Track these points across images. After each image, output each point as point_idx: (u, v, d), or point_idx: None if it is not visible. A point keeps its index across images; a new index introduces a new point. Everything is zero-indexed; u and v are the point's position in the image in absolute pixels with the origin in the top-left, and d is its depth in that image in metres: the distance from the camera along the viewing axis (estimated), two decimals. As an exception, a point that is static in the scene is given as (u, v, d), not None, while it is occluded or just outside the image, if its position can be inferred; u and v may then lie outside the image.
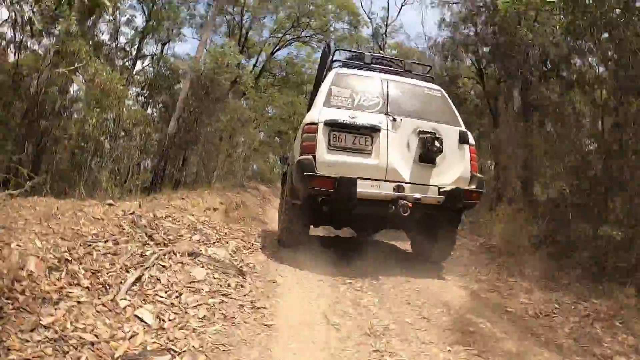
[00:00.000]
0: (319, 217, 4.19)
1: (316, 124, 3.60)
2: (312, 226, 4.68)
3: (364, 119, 3.70)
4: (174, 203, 7.88)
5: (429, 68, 5.37)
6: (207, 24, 12.13)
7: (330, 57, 4.97)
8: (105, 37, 13.76)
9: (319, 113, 3.71)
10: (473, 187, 3.79)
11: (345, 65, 4.56)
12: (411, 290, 3.60)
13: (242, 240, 5.69)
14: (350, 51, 6.04)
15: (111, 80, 7.27)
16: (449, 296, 3.51)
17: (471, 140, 3.96)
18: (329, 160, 3.53)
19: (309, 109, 4.67)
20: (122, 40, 14.95)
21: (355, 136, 3.61)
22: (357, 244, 5.95)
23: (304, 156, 3.56)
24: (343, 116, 3.65)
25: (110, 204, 4.28)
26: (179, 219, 4.85)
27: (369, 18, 20.81)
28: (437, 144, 3.60)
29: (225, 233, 5.46)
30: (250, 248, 5.05)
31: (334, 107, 3.78)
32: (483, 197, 4.08)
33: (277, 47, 22.14)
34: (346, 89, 3.90)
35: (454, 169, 3.81)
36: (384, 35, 19.66)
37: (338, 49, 5.48)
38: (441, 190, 3.67)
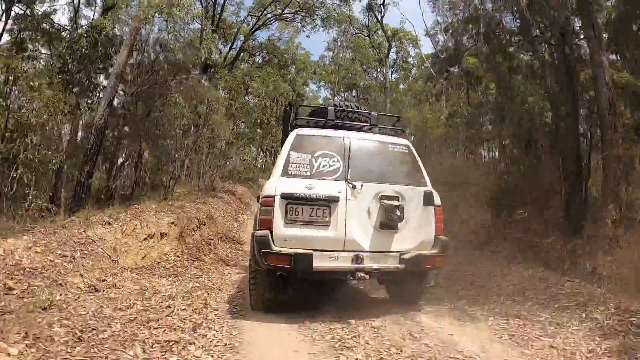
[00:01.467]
0: (283, 285, 3.83)
1: (273, 196, 3.47)
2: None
3: (321, 189, 3.57)
4: (92, 233, 5.15)
5: (396, 119, 4.85)
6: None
7: (292, 114, 4.88)
8: None
9: (275, 184, 3.57)
10: (435, 251, 3.70)
11: (306, 124, 4.23)
12: None
13: (192, 306, 3.87)
14: (312, 106, 5.56)
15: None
16: None
17: (437, 201, 3.80)
18: (286, 234, 3.44)
19: (282, 142, 4.80)
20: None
21: (313, 208, 3.51)
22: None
23: (261, 231, 3.45)
24: (300, 188, 3.53)
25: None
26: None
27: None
28: (398, 212, 3.50)
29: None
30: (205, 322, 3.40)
31: (291, 176, 3.65)
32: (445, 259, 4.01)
33: (256, 27, 19.22)
34: (305, 154, 3.74)
35: (417, 232, 3.70)
36: (382, 7, 16.97)
37: (301, 105, 5.38)
38: (402, 257, 3.56)
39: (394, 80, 27.81)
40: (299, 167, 3.66)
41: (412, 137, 16.16)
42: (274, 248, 3.34)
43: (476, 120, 12.89)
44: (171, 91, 8.10)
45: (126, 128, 8.64)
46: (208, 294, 4.44)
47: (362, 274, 3.41)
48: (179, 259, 6.07)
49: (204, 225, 7.97)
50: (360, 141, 3.90)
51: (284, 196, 3.44)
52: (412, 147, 4.03)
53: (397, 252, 3.56)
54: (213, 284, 5.03)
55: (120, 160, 9.11)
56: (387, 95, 20.61)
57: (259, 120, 21.35)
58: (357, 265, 3.44)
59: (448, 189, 7.98)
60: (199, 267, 5.93)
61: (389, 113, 6.22)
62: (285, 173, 3.64)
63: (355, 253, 3.47)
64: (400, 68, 27.29)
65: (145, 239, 5.91)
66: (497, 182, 8.32)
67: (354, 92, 34.11)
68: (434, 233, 3.71)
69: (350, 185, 3.58)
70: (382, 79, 30.70)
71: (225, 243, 8.00)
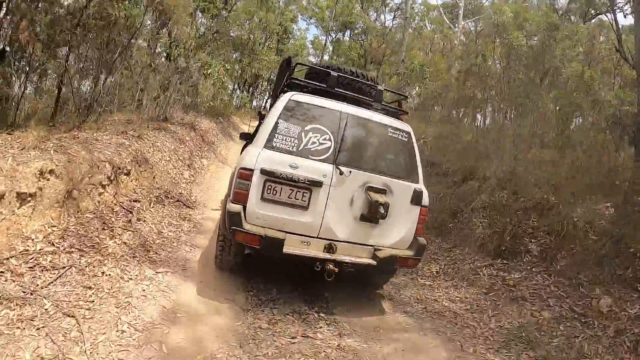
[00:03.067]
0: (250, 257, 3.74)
1: (252, 170, 3.17)
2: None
3: (306, 171, 3.25)
4: None
5: (403, 98, 4.40)
6: None
7: (289, 73, 4.12)
8: None
9: (256, 156, 3.22)
10: (411, 253, 3.50)
11: (303, 87, 3.78)
12: None
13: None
14: (314, 67, 4.19)
15: None
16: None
17: (425, 201, 3.58)
18: (260, 213, 3.20)
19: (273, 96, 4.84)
20: None
21: (293, 190, 3.24)
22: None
23: (234, 205, 3.18)
24: (282, 165, 3.21)
25: None
26: None
27: None
28: (382, 209, 3.25)
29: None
30: None
31: (276, 149, 3.28)
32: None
33: None
34: (295, 126, 3.36)
35: (396, 230, 3.49)
36: None
37: (299, 64, 4.16)
38: (376, 253, 3.38)
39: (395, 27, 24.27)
40: (285, 139, 3.31)
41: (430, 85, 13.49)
42: (245, 226, 3.11)
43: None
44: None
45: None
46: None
47: (332, 266, 3.19)
48: (54, 249, 3.08)
49: (127, 175, 4.85)
50: (359, 119, 3.50)
51: (264, 172, 3.15)
52: (412, 136, 3.67)
53: (372, 246, 3.41)
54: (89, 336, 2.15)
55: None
56: (406, 25, 17.00)
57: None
58: (329, 256, 3.26)
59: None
60: (88, 271, 2.98)
61: (394, 92, 5.27)
62: (270, 145, 3.28)
63: (329, 241, 3.30)
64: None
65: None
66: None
67: (348, 33, 29.96)
68: (414, 233, 3.54)
69: (338, 171, 3.29)
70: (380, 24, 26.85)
71: (162, 207, 4.98)
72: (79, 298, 2.63)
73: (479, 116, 13.31)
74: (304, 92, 3.59)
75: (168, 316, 2.78)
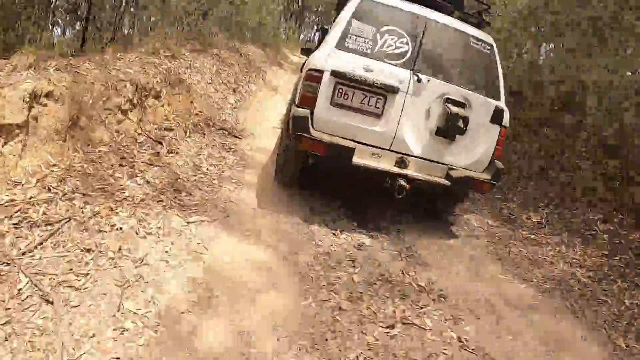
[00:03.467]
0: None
1: (321, 72, 2.87)
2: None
3: (381, 74, 2.94)
4: None
5: (485, 7, 3.76)
6: None
7: None
8: None
9: (327, 57, 2.93)
10: (487, 177, 3.17)
11: None
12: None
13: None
14: None
15: None
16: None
17: (506, 120, 3.24)
18: (328, 118, 2.91)
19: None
20: None
21: (366, 95, 2.93)
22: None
23: (300, 109, 2.90)
24: (356, 67, 2.90)
25: None
26: None
27: None
28: (461, 123, 2.97)
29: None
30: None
31: (348, 50, 2.98)
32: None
33: None
34: (369, 26, 3.04)
35: (474, 149, 3.19)
36: None
37: None
38: (449, 172, 3.09)
39: None
40: (358, 40, 3.03)
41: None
42: (312, 132, 2.84)
43: None
44: None
45: None
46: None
47: (403, 182, 2.91)
48: (50, 196, 2.27)
49: (156, 99, 3.88)
50: (439, 25, 3.17)
51: (335, 74, 2.84)
52: (495, 49, 3.35)
53: (445, 165, 3.12)
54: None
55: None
56: None
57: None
58: (401, 170, 2.99)
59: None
60: (92, 224, 2.14)
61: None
62: (342, 45, 2.99)
63: (402, 155, 3.01)
64: None
65: None
66: None
67: None
68: (492, 156, 3.22)
69: (416, 77, 2.97)
70: None
71: (201, 137, 4.03)
72: (70, 268, 1.79)
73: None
74: None
75: (198, 297, 1.87)
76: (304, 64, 4.47)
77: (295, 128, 2.85)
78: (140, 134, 3.36)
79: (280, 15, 22.00)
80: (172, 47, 5.67)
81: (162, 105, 4.01)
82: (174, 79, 4.51)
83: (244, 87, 6.85)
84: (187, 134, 3.89)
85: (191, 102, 4.65)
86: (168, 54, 5.34)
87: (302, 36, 30.99)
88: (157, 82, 4.02)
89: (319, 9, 34.80)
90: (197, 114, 4.46)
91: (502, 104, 3.26)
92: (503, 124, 3.24)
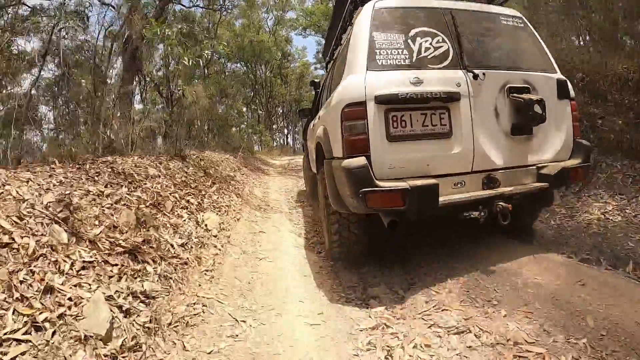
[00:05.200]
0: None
1: (362, 103, 2.37)
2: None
3: (434, 83, 2.47)
4: None
5: None
6: None
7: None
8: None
9: (363, 82, 2.42)
10: (578, 161, 2.74)
11: None
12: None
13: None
14: None
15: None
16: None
17: (571, 91, 2.90)
18: (392, 158, 2.38)
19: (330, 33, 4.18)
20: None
21: (425, 113, 2.44)
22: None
23: (353, 159, 2.33)
24: (402, 84, 2.42)
25: None
26: None
27: None
28: (538, 108, 2.53)
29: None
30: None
31: (383, 68, 2.50)
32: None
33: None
34: (396, 34, 2.60)
35: (553, 137, 2.79)
36: None
37: None
38: (540, 172, 2.68)
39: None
40: (390, 53, 2.52)
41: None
42: (379, 183, 2.27)
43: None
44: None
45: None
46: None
47: (503, 204, 2.41)
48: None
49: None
50: (465, 13, 2.85)
51: (382, 99, 2.35)
52: (527, 20, 3.06)
53: (532, 165, 2.71)
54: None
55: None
56: None
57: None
58: (494, 191, 2.50)
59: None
60: None
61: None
62: (373, 65, 2.48)
63: (487, 173, 2.57)
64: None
65: None
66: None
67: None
68: (572, 136, 2.82)
69: (471, 75, 2.55)
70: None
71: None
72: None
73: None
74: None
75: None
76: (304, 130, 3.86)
77: (357, 184, 2.26)
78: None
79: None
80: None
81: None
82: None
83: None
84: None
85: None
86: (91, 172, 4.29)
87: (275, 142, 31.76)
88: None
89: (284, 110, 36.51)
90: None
91: (560, 75, 2.92)
92: (571, 96, 2.88)
